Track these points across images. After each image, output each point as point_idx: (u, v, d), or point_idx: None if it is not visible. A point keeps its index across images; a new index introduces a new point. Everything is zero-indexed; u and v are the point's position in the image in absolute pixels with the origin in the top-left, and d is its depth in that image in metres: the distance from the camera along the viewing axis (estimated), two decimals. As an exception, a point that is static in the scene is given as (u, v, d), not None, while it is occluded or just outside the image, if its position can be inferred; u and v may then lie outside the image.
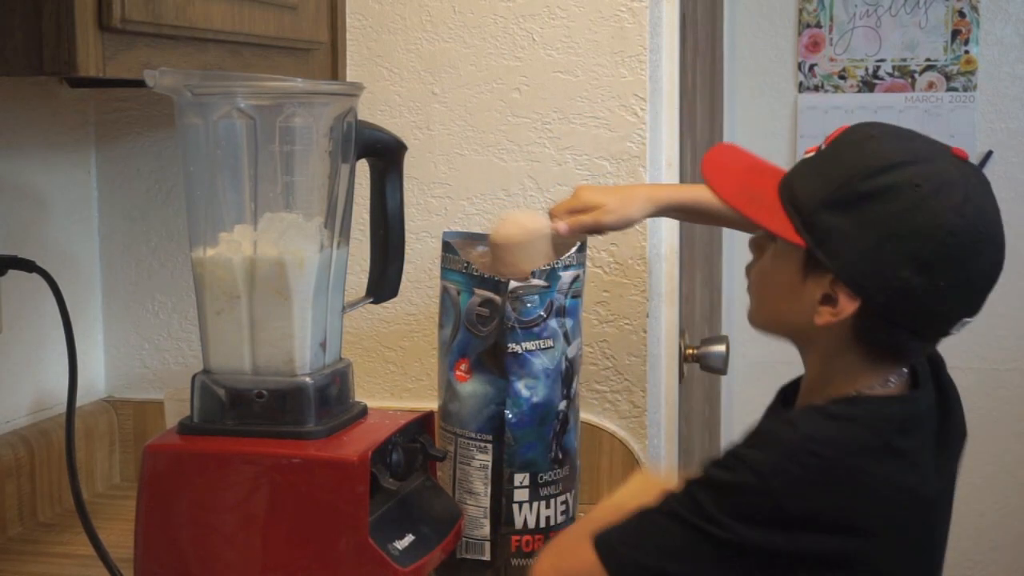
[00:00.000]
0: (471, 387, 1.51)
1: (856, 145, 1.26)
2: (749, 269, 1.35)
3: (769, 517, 1.18)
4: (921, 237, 1.20)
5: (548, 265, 1.50)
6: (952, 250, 1.20)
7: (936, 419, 1.30)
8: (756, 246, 1.33)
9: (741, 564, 1.20)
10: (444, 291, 1.55)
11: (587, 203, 1.56)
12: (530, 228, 1.50)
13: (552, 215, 1.56)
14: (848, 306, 1.22)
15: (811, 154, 1.28)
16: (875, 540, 1.21)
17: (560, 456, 1.54)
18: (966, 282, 1.23)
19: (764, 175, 1.32)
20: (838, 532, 1.20)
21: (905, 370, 1.29)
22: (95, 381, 1.92)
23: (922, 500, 1.25)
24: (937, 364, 1.36)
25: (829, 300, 1.23)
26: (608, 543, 1.24)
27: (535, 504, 1.52)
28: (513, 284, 1.47)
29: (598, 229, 1.57)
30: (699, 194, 1.58)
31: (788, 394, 1.39)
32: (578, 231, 1.55)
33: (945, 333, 1.28)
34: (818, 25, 3.30)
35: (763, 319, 1.34)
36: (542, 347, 1.49)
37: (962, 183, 1.21)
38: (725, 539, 1.18)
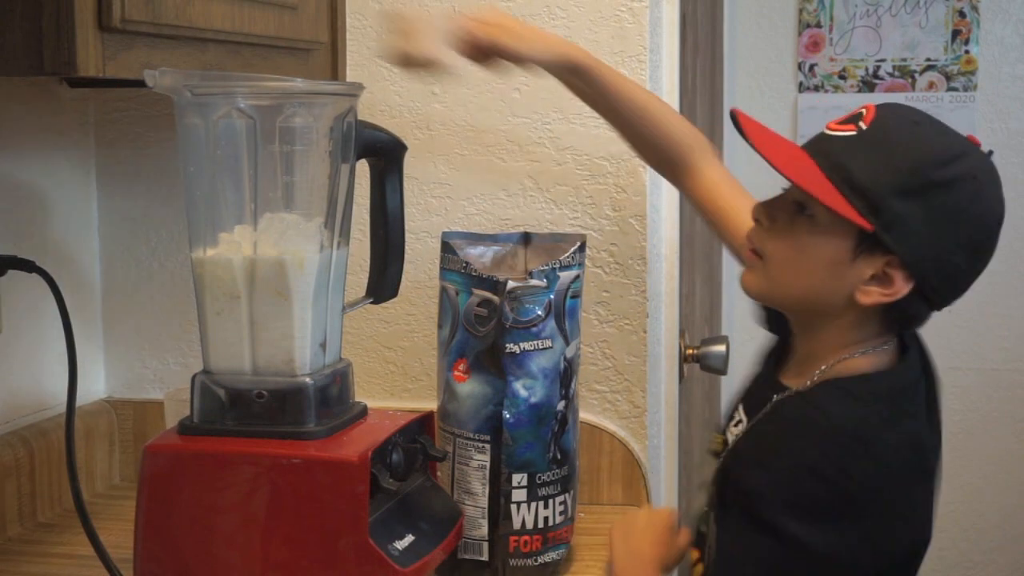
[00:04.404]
0: (469, 387, 1.51)
1: (908, 131, 1.28)
2: (753, 235, 1.35)
3: (840, 511, 1.22)
4: (979, 225, 1.27)
5: (438, 67, 1.43)
6: (995, 237, 1.28)
7: (924, 383, 1.36)
8: (767, 215, 1.33)
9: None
10: (443, 291, 1.55)
11: (499, 22, 1.47)
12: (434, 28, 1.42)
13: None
14: (903, 288, 1.26)
15: (847, 133, 1.28)
16: (911, 505, 1.28)
17: (558, 456, 1.54)
18: (987, 264, 1.31)
19: (791, 146, 1.33)
20: (889, 506, 1.24)
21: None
22: (95, 381, 1.92)
23: (933, 453, 1.32)
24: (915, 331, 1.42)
25: (879, 280, 1.27)
26: None
27: (533, 504, 1.52)
28: (512, 284, 1.47)
29: (492, 46, 1.47)
30: (604, 68, 1.54)
31: (775, 358, 1.42)
32: (474, 35, 1.45)
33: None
34: (818, 25, 3.30)
35: (782, 289, 1.34)
36: (540, 347, 1.49)
37: (994, 172, 1.29)
38: (812, 552, 1.21)
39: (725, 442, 1.40)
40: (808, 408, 1.28)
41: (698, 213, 1.65)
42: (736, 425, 1.39)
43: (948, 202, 1.25)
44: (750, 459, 1.30)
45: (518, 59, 1.49)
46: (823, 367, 1.31)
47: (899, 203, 1.24)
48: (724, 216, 1.55)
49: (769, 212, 1.33)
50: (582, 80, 1.55)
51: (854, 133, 1.28)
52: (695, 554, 1.38)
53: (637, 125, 1.57)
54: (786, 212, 1.31)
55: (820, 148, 1.29)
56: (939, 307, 1.31)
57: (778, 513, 1.22)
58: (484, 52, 1.47)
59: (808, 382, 1.32)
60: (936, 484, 1.32)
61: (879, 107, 1.30)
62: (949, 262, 1.26)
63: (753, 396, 1.39)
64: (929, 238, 1.25)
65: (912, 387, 1.32)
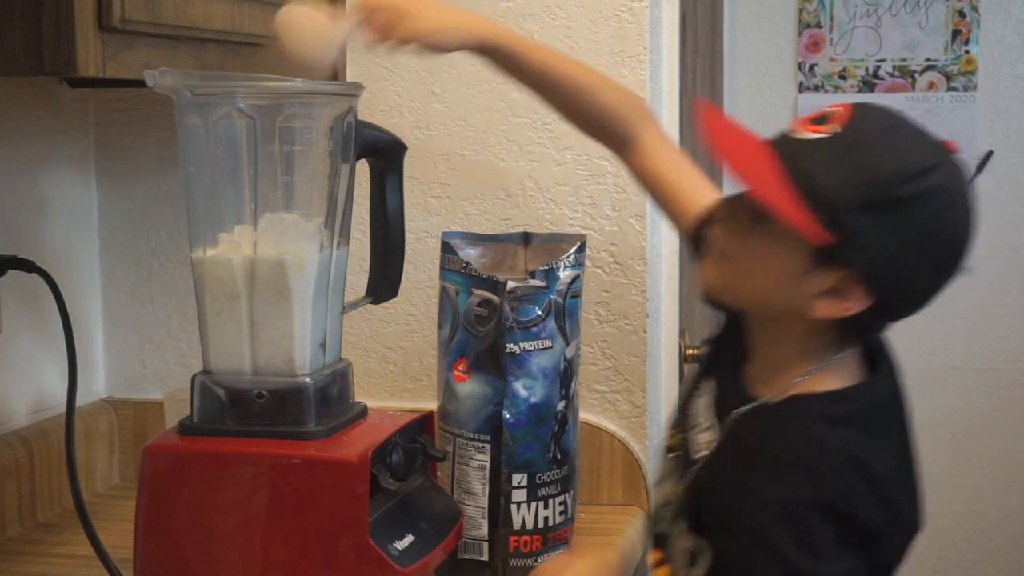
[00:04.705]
0: (469, 387, 1.51)
1: (881, 139, 1.22)
2: (716, 235, 1.28)
3: (846, 535, 1.19)
4: (946, 243, 1.21)
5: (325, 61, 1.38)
6: (962, 253, 1.22)
7: (899, 394, 1.32)
8: (730, 213, 1.26)
9: None
10: (443, 291, 1.55)
11: (402, 7, 1.38)
12: (328, 30, 1.36)
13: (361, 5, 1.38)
14: (860, 304, 1.20)
15: (817, 136, 1.21)
16: (903, 512, 1.25)
17: (558, 456, 1.54)
18: (952, 279, 1.25)
19: (755, 144, 1.25)
20: (889, 519, 1.22)
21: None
22: (95, 381, 1.92)
23: (913, 461, 1.29)
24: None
25: (835, 293, 1.21)
26: None
27: (533, 504, 1.52)
28: (512, 284, 1.47)
29: (406, 41, 1.39)
30: (522, 45, 1.46)
31: (723, 358, 1.35)
32: (386, 31, 1.37)
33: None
34: (818, 25, 3.30)
35: (739, 291, 1.29)
36: (540, 347, 1.49)
37: (967, 184, 1.22)
38: None
39: (684, 441, 1.34)
40: (797, 442, 1.23)
41: (643, 190, 1.55)
42: (706, 431, 1.32)
43: (916, 219, 1.19)
44: (749, 495, 1.23)
45: (435, 51, 1.43)
46: (791, 381, 1.26)
47: (863, 217, 1.18)
48: (669, 192, 1.47)
49: (732, 211, 1.26)
50: (500, 60, 1.45)
51: (825, 136, 1.21)
52: (657, 555, 1.34)
53: (571, 101, 1.48)
54: (746, 213, 1.24)
55: (786, 150, 1.22)
56: (898, 320, 1.26)
57: (799, 556, 1.18)
58: (397, 42, 1.39)
59: (776, 399, 1.26)
60: (919, 485, 1.29)
61: (853, 108, 1.23)
62: (911, 280, 1.21)
63: (722, 403, 1.32)
64: (892, 255, 1.19)
65: (886, 401, 1.28)
